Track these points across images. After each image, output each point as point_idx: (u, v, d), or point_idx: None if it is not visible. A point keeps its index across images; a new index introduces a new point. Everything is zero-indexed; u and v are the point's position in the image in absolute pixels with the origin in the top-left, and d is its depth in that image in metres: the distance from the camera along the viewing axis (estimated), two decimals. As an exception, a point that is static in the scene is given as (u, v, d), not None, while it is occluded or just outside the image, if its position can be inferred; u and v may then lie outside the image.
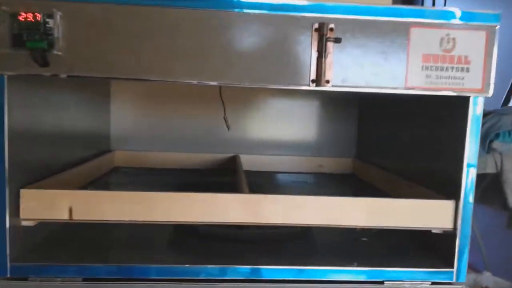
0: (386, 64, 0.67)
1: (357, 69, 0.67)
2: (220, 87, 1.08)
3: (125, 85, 1.21)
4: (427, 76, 0.68)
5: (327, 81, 0.65)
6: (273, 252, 0.79)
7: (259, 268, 0.71)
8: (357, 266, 0.72)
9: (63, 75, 0.63)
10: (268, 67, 0.65)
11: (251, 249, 0.79)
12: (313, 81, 0.66)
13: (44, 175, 0.77)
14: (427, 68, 0.68)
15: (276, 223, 0.71)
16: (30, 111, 0.72)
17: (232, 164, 1.22)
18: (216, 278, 0.70)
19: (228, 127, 1.15)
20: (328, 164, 1.29)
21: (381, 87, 0.67)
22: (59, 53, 0.62)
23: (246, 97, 1.25)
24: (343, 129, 1.29)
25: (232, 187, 0.94)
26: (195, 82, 0.64)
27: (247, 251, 0.78)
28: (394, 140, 1.03)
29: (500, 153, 1.48)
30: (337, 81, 0.66)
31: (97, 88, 1.14)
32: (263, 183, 1.14)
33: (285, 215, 0.71)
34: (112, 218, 0.68)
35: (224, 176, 1.17)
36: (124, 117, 1.22)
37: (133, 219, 0.68)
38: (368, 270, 0.72)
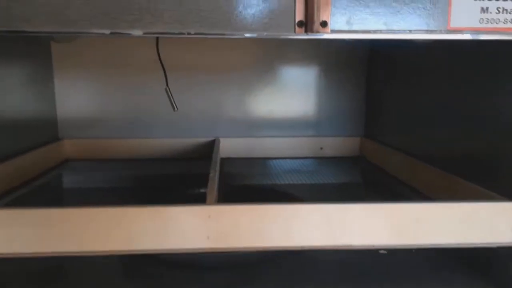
0: (416, -6, 0.42)
1: (371, 4, 0.41)
2: (157, 40, 0.79)
3: (67, 54, 0.95)
4: (483, 10, 0.43)
5: (323, 24, 0.40)
6: (250, 280, 0.56)
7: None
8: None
9: None
10: (224, 3, 0.40)
11: (224, 277, 0.56)
12: (300, 24, 0.40)
13: None
14: (482, -3, 0.42)
15: (253, 247, 0.48)
16: None
17: (211, 150, 0.98)
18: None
19: (174, 106, 0.84)
20: (331, 145, 1.04)
21: (410, 31, 0.42)
22: None
23: (222, 59, 0.99)
24: (347, 101, 1.04)
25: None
26: (106, 32, 0.39)
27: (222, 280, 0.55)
28: (418, 112, 0.77)
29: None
30: (339, 24, 0.41)
31: (33, 60, 0.88)
32: (247, 174, 0.91)
33: (266, 236, 0.47)
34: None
35: (200, 166, 0.94)
36: (72, 97, 0.97)
37: (28, 251, 0.44)
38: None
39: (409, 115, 0.81)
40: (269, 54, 1.01)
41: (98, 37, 0.91)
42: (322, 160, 1.02)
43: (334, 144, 1.04)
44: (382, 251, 0.62)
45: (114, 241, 0.47)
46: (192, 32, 0.40)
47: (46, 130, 0.94)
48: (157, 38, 0.71)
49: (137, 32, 0.39)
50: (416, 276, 0.56)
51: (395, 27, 0.41)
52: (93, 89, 0.98)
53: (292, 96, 1.03)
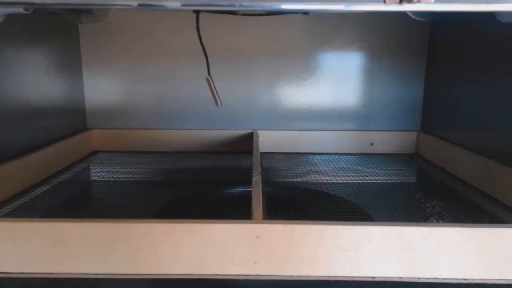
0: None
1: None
2: (197, 16, 0.63)
3: (95, 40, 0.87)
4: None
5: (424, -9, 0.29)
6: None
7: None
8: None
9: None
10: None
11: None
12: (392, -9, 0.30)
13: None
14: None
15: (311, 277, 0.38)
16: None
17: (248, 144, 0.89)
18: None
19: (217, 100, 0.70)
20: (383, 140, 0.93)
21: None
22: None
23: (261, 43, 0.89)
24: (402, 90, 0.92)
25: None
26: (133, 3, 0.30)
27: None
28: (495, 104, 0.65)
29: None
30: (445, -10, 0.30)
31: (60, 46, 0.81)
32: (289, 172, 0.81)
33: (328, 262, 0.38)
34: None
35: (237, 161, 0.85)
36: (100, 85, 0.90)
37: (40, 271, 0.37)
38: None
39: (482, 108, 0.69)
40: (314, 38, 0.90)
41: (127, 13, 0.81)
42: (373, 157, 0.91)
43: (386, 139, 0.92)
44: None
45: (141, 262, 0.39)
46: (245, 4, 0.30)
47: (74, 119, 0.88)
48: (198, 13, 0.60)
49: (174, 4, 0.30)
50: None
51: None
52: (122, 77, 0.90)
53: (339, 85, 0.92)
